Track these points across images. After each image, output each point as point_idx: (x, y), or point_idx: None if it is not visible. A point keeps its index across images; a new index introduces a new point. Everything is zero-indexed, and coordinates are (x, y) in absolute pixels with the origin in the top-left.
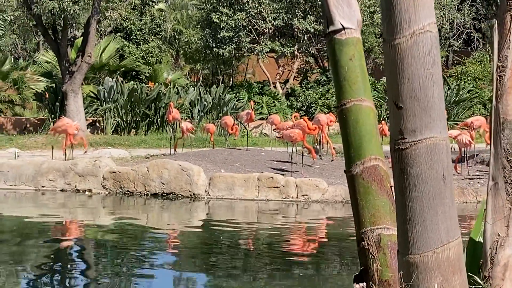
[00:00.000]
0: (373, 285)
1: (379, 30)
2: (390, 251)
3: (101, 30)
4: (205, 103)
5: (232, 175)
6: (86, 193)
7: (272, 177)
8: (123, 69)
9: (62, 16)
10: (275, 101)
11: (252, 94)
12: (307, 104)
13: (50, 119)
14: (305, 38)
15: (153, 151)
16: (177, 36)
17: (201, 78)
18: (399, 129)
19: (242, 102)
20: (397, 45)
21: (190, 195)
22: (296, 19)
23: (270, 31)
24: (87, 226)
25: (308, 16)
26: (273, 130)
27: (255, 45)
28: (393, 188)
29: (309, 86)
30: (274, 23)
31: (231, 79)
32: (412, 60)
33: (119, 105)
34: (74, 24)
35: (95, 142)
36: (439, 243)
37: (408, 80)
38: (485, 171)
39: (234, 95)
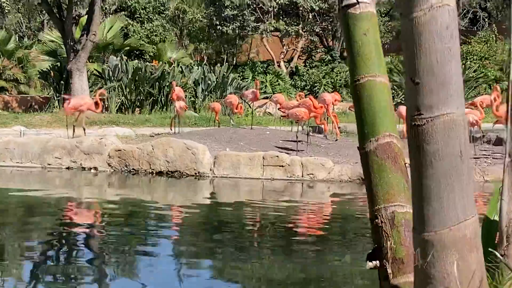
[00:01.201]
0: (387, 263)
1: (384, 9)
2: (404, 228)
3: (105, 8)
4: (209, 82)
5: (237, 154)
6: (92, 171)
7: (277, 156)
8: (128, 48)
9: None
10: (279, 80)
11: (256, 73)
12: (311, 83)
13: (55, 97)
14: (310, 16)
15: (157, 130)
16: (180, 15)
17: (205, 57)
18: (416, 105)
19: (246, 81)
20: (415, 19)
21: (195, 173)
22: None
23: (275, 10)
24: (92, 203)
25: None
26: (278, 109)
27: (259, 24)
28: (407, 165)
29: (313, 65)
30: (279, 2)
31: (234, 59)
32: (430, 34)
33: (123, 84)
34: (79, 3)
35: (99, 121)
36: (455, 221)
37: (425, 55)
38: (492, 151)
39: (238, 74)
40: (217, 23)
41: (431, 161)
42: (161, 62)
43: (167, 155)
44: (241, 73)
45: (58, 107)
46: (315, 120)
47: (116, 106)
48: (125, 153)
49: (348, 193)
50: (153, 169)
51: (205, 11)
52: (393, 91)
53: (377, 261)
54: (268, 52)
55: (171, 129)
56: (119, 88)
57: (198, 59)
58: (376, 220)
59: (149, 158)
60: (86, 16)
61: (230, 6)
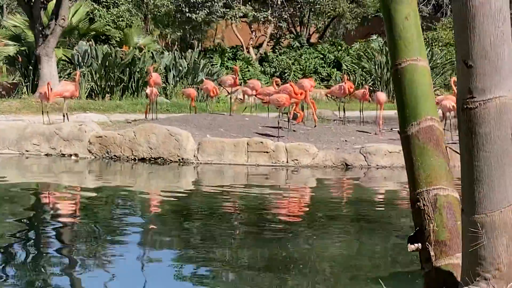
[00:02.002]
0: (429, 245)
1: None
2: (446, 211)
3: None
4: (180, 68)
5: (221, 140)
6: (72, 157)
7: (262, 142)
8: (94, 33)
9: None
10: (248, 66)
11: (226, 59)
12: (281, 69)
13: (23, 83)
14: (278, 2)
15: (130, 116)
16: (145, 0)
17: (169, 43)
18: (468, 88)
19: (216, 67)
20: (468, 2)
21: (179, 160)
22: None
23: None
24: (72, 190)
25: None
26: (255, 95)
27: (228, 10)
28: (447, 148)
29: (281, 51)
30: None
31: (200, 44)
32: (483, 17)
33: (93, 70)
34: None
35: (69, 107)
36: (506, 203)
37: (478, 38)
38: None
39: (207, 60)
40: (186, 9)
41: (482, 143)
42: (131, 48)
43: (150, 141)
44: (209, 59)
45: (26, 93)
46: (294, 106)
47: (86, 92)
48: (106, 140)
49: (333, 179)
50: (135, 156)
51: None
52: (362, 77)
53: (419, 244)
54: (235, 38)
55: (146, 116)
56: (88, 74)
57: (163, 45)
58: (418, 203)
59: (131, 144)
60: (54, 1)
61: None
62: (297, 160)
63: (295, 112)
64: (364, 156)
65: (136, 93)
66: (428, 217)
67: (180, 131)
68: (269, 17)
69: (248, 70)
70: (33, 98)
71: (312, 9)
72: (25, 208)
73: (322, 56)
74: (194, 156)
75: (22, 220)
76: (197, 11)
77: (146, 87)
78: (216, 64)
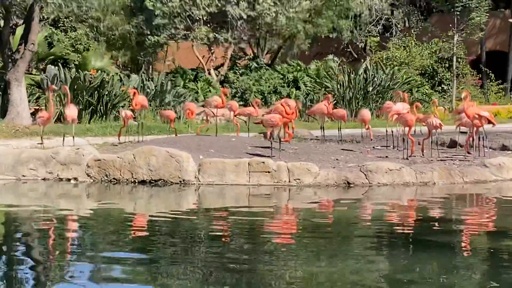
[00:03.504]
0: None
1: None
2: None
3: (42, 17)
4: (148, 90)
5: (222, 161)
6: (72, 181)
7: (263, 162)
8: (52, 57)
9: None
10: (210, 87)
11: (187, 80)
12: (242, 90)
13: None
14: (238, 24)
15: (97, 140)
16: (95, 24)
17: (120, 65)
18: None
19: (178, 88)
20: None
21: (180, 181)
22: (230, 5)
23: (204, 18)
24: (71, 214)
25: (241, 1)
26: (234, 115)
27: (189, 32)
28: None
29: (240, 72)
30: (208, 10)
31: (150, 67)
32: None
33: (61, 94)
34: (17, 11)
35: (37, 132)
36: None
37: None
38: (451, 153)
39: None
40: (148, 32)
41: None
42: (99, 71)
43: (150, 163)
44: (171, 80)
45: None
46: (284, 126)
47: (55, 116)
48: (105, 163)
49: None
50: (135, 178)
51: (135, 20)
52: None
53: None
54: (186, 60)
55: (119, 139)
56: (57, 98)
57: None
58: None
59: (131, 167)
60: (23, 26)
61: (160, 15)
62: (299, 179)
63: (286, 132)
64: (365, 174)
65: (104, 116)
66: None
67: (180, 152)
68: (230, 39)
69: (210, 91)
70: (3, 123)
71: (268, 31)
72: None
73: (282, 76)
74: (195, 177)
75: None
76: (159, 34)
77: (115, 110)
78: (179, 86)
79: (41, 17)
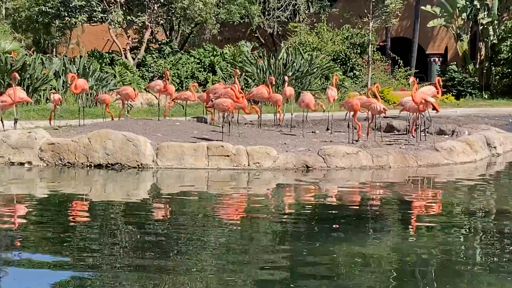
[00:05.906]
0: None
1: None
2: None
3: None
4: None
5: (181, 144)
6: (26, 165)
7: (222, 146)
8: None
9: None
10: (127, 71)
11: (104, 64)
12: (159, 74)
13: None
14: (155, 7)
15: (37, 123)
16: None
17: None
18: None
19: (104, 72)
20: None
21: (138, 165)
22: None
23: (122, 1)
24: (23, 198)
25: None
26: (172, 100)
27: (106, 15)
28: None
29: (157, 56)
30: None
31: (54, 49)
32: None
33: None
34: None
35: None
36: None
37: None
38: (391, 137)
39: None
40: (65, 14)
41: None
42: (20, 54)
43: (106, 147)
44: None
45: None
46: (243, 109)
47: None
48: (59, 147)
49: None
50: (91, 162)
51: (51, 1)
52: (245, 81)
53: None
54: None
55: (50, 123)
56: None
57: None
58: None
59: (86, 151)
60: None
61: None
62: (258, 163)
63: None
64: (323, 158)
65: None
66: None
67: (137, 136)
68: (146, 22)
69: (127, 75)
70: None
71: (182, 15)
72: None
73: (199, 61)
74: (153, 161)
75: None
76: (77, 16)
77: (36, 93)
78: (96, 69)
79: None
